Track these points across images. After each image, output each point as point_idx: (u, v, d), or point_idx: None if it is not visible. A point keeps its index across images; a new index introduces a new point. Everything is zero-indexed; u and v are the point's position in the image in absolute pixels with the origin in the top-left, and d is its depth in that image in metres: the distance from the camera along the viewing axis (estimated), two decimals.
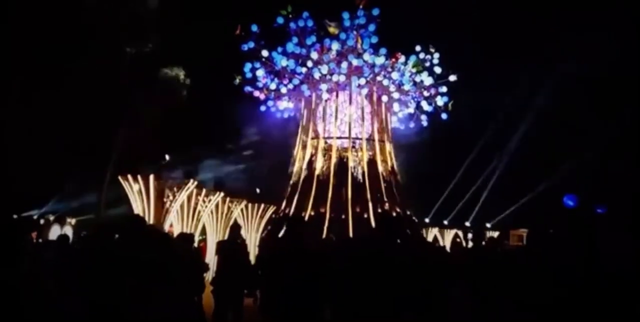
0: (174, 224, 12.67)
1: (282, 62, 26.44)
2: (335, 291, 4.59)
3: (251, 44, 26.37)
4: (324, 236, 20.36)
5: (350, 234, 21.98)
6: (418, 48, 27.02)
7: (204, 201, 13.93)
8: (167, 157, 17.97)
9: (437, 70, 27.08)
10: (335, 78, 25.93)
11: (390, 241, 3.85)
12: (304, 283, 4.59)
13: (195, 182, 12.71)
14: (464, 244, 33.14)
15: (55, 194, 23.76)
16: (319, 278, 4.63)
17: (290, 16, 26.27)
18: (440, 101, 27.71)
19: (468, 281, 6.56)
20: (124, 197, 12.87)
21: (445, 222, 38.53)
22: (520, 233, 37.30)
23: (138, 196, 12.13)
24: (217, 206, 14.70)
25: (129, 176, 11.94)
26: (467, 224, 39.22)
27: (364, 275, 3.67)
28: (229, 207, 15.28)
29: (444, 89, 27.59)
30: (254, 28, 26.34)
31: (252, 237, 15.71)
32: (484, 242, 8.13)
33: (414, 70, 27.09)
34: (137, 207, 12.12)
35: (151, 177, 11.89)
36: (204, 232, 15.01)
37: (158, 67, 24.76)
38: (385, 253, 3.60)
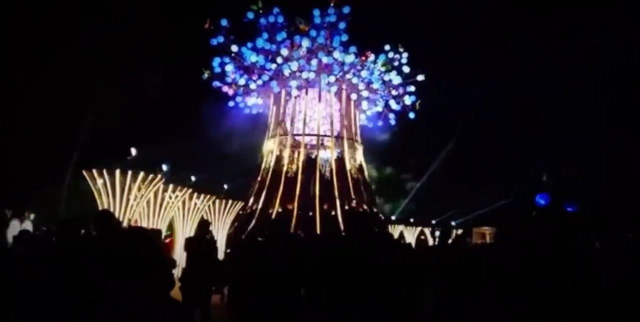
0: (140, 220, 12.42)
1: (252, 57, 26.28)
2: (308, 288, 4.60)
3: (220, 39, 26.11)
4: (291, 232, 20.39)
5: (318, 231, 22.07)
6: (387, 47, 27.30)
7: (170, 197, 13.68)
8: (133, 151, 17.58)
9: (406, 69, 27.44)
10: (305, 75, 25.94)
11: (361, 239, 3.88)
12: (278, 279, 4.59)
13: (163, 178, 12.49)
14: (429, 241, 33.72)
15: (14, 188, 22.99)
16: (293, 274, 4.64)
17: (261, 11, 26.13)
18: (408, 100, 28.10)
19: (437, 277, 6.69)
20: (87, 191, 12.53)
21: (411, 220, 39.04)
22: (483, 231, 38.22)
23: (103, 190, 11.81)
24: (184, 202, 14.46)
25: (94, 170, 11.62)
26: (433, 221, 39.88)
27: (337, 273, 3.69)
28: (196, 203, 15.05)
29: (412, 88, 28.00)
30: (224, 22, 26.09)
31: (219, 234, 15.55)
32: (450, 240, 8.27)
33: (383, 69, 27.37)
34: (102, 202, 11.82)
35: (117, 171, 11.60)
36: (170, 228, 14.76)
37: (124, 60, 24.21)
38: (357, 251, 3.63)
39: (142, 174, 11.92)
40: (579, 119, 34.47)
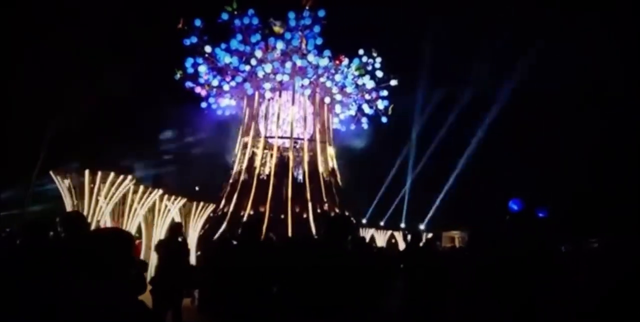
0: (109, 222, 12.16)
1: (226, 58, 26.06)
2: (280, 290, 4.58)
3: (194, 39, 25.83)
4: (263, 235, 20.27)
5: (290, 234, 22.01)
6: (361, 52, 27.48)
7: (141, 199, 13.44)
8: (103, 151, 17.20)
9: (379, 74, 27.67)
10: (278, 77, 25.88)
11: (336, 243, 3.89)
12: (249, 282, 4.55)
13: (134, 179, 12.26)
14: (399, 245, 34.05)
15: None
16: (265, 277, 4.62)
17: (236, 13, 25.96)
18: (381, 105, 28.33)
19: (408, 280, 6.77)
20: (55, 193, 12.23)
21: (382, 224, 39.38)
22: (452, 235, 38.80)
23: (69, 192, 11.53)
24: (154, 203, 14.23)
25: (62, 171, 11.33)
26: (402, 225, 40.29)
27: (310, 276, 3.68)
28: (167, 205, 14.82)
29: (385, 92, 28.24)
30: (198, 23, 25.82)
31: (190, 236, 15.35)
32: (421, 244, 8.37)
33: (356, 73, 27.53)
34: (68, 204, 11.54)
35: (86, 172, 11.34)
36: (139, 230, 14.50)
37: (95, 59, 23.71)
38: (335, 255, 3.64)
39: (112, 174, 11.70)
40: (550, 124, 35.39)
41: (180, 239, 7.88)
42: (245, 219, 23.53)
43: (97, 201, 11.55)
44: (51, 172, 11.56)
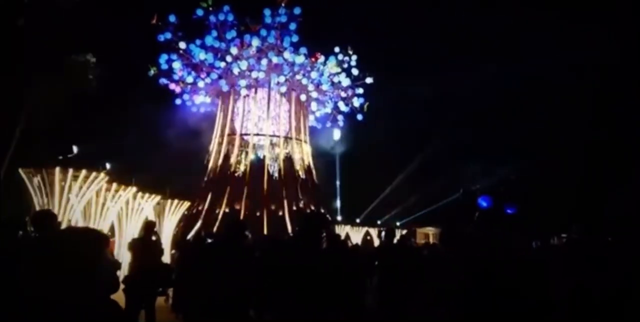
0: (80, 220, 11.94)
1: (201, 55, 25.84)
2: (255, 289, 4.58)
3: (168, 35, 25.52)
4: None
5: (265, 231, 21.98)
6: (337, 49, 27.55)
7: (113, 196, 13.23)
8: (74, 148, 16.84)
9: (355, 72, 27.80)
10: (254, 74, 25.78)
11: (313, 241, 3.92)
12: (225, 281, 4.55)
13: (106, 177, 12.05)
14: (374, 241, 34.28)
15: None
16: (240, 276, 4.62)
17: (211, 9, 25.76)
18: (356, 102, 28.48)
19: (382, 275, 6.85)
20: (23, 191, 11.93)
21: (357, 221, 39.59)
22: (427, 231, 39.30)
23: (39, 190, 11.28)
24: (127, 201, 14.01)
25: (31, 168, 11.07)
26: (378, 222, 40.59)
27: (286, 275, 3.70)
28: (140, 203, 14.62)
29: (360, 90, 28.40)
30: (172, 18, 25.52)
31: (164, 234, 15.18)
32: (395, 240, 8.47)
33: (332, 71, 27.60)
34: (38, 202, 11.28)
35: (57, 169, 11.09)
36: (112, 229, 14.27)
37: (65, 52, 23.14)
38: (313, 253, 3.67)
39: (83, 172, 11.47)
40: (519, 120, 36.06)
41: (154, 238, 7.81)
42: (220, 216, 23.41)
43: (68, 199, 11.32)
44: (20, 170, 11.27)
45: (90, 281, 2.01)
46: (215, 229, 21.60)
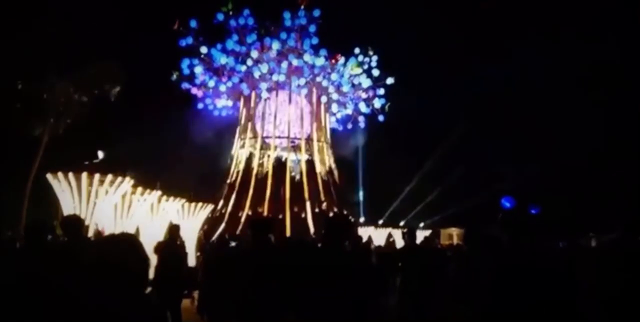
0: (107, 224, 12.16)
1: (222, 59, 26.10)
2: (281, 292, 4.60)
3: (189, 40, 25.84)
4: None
5: (288, 234, 22.04)
6: (357, 50, 27.51)
7: (138, 200, 13.43)
8: (100, 153, 17.17)
9: (375, 73, 27.70)
10: (275, 77, 25.92)
11: (338, 244, 3.92)
12: (250, 284, 4.59)
13: (132, 181, 12.25)
14: (396, 243, 34.06)
15: None
16: (266, 279, 4.66)
17: (231, 13, 25.99)
18: (377, 103, 28.37)
19: (406, 277, 6.82)
20: (51, 196, 12.21)
21: (380, 222, 39.39)
22: (451, 232, 38.90)
23: (68, 194, 11.52)
24: (152, 205, 14.22)
25: (59, 173, 11.31)
26: (401, 223, 40.33)
27: (312, 279, 3.72)
28: (164, 207, 14.81)
29: (381, 91, 28.28)
30: (193, 24, 25.83)
31: (189, 237, 15.35)
32: (418, 241, 8.42)
33: (352, 72, 27.56)
34: (66, 206, 11.53)
35: (84, 174, 11.32)
36: (137, 232, 14.48)
37: (89, 58, 23.66)
38: (335, 258, 3.68)
39: (109, 176, 11.68)
40: (544, 123, 35.50)
41: (178, 241, 7.92)
42: (244, 219, 23.56)
43: (94, 203, 11.54)
44: (48, 175, 11.54)
45: (125, 281, 2.08)
46: (239, 231, 21.77)
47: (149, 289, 7.14)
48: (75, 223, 4.31)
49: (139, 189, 13.35)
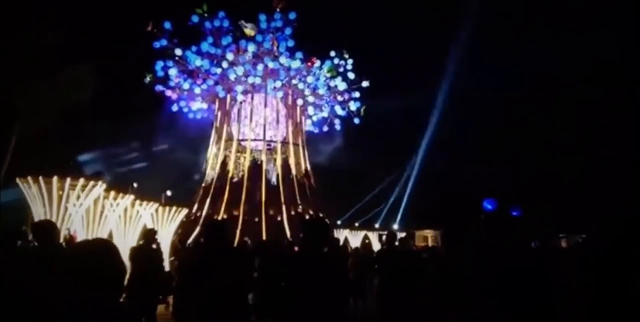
0: (79, 229, 11.89)
1: (197, 62, 25.85)
2: (257, 296, 4.56)
3: (164, 42, 25.53)
4: (237, 239, 20.13)
5: (264, 237, 21.91)
6: (333, 54, 27.59)
7: (112, 205, 13.16)
8: (74, 158, 16.79)
9: (351, 76, 27.82)
10: (251, 80, 25.78)
11: (316, 247, 3.91)
12: (224, 288, 4.53)
13: (104, 185, 12.00)
14: (372, 245, 34.21)
15: None
16: (240, 283, 4.61)
17: (206, 15, 25.78)
18: (353, 106, 28.49)
19: (384, 279, 6.83)
20: (20, 200, 11.86)
21: (357, 225, 39.54)
22: (426, 234, 39.28)
23: (39, 199, 11.22)
24: (126, 209, 13.95)
25: (29, 177, 11.01)
26: (377, 226, 40.56)
27: (290, 282, 3.69)
28: (138, 211, 14.55)
29: (357, 94, 28.42)
30: (167, 25, 25.53)
31: (163, 242, 15.11)
32: (397, 243, 8.46)
33: (328, 75, 27.63)
34: (37, 212, 11.22)
35: (54, 179, 11.05)
36: (110, 237, 14.18)
37: (61, 61, 23.16)
38: (317, 259, 3.66)
39: (82, 181, 11.42)
40: (522, 125, 36.14)
41: (154, 246, 7.78)
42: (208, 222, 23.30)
43: (66, 208, 11.27)
44: (18, 180, 11.22)
45: (100, 288, 2.02)
46: (196, 234, 21.54)
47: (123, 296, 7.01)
48: (48, 228, 4.19)
49: (112, 193, 13.10)
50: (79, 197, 11.58)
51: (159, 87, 26.37)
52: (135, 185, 21.30)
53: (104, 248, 2.14)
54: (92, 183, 11.68)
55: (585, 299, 3.39)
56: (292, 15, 26.10)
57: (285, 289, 3.54)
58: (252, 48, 25.43)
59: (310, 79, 26.91)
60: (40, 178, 11.01)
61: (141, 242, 8.79)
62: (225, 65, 25.44)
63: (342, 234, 33.17)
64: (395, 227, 39.81)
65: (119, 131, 26.29)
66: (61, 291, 2.02)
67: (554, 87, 35.01)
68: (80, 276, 1.96)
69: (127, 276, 7.96)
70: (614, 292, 3.27)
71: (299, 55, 25.95)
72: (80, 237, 11.92)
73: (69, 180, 11.26)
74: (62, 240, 10.07)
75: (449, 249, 3.94)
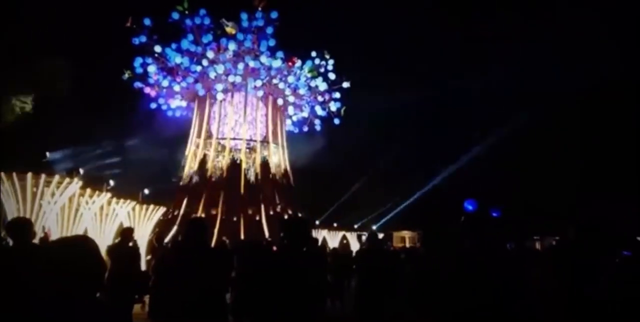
0: (53, 227, 11.67)
1: (176, 59, 25.58)
2: (235, 295, 4.53)
3: (143, 38, 25.19)
4: (215, 238, 20.00)
5: (242, 236, 21.82)
6: (314, 54, 27.60)
7: (87, 202, 12.96)
8: (47, 154, 16.43)
9: (332, 76, 27.87)
10: (231, 79, 25.63)
11: (297, 247, 3.91)
12: (201, 288, 4.51)
13: (80, 182, 11.80)
14: (350, 245, 34.36)
15: None
16: (217, 282, 4.59)
17: (187, 12, 25.52)
18: (333, 106, 28.56)
19: (363, 278, 6.87)
20: None
21: (335, 225, 39.62)
22: (403, 235, 39.62)
23: (12, 196, 10.97)
24: (102, 207, 13.74)
25: (2, 174, 10.75)
26: (355, 226, 40.72)
27: (267, 282, 3.69)
28: (114, 209, 14.35)
29: (337, 95, 28.50)
30: (147, 22, 25.21)
31: (140, 240, 14.93)
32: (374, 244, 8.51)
33: (309, 75, 27.63)
34: (10, 209, 10.97)
35: (28, 175, 10.82)
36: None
37: (35, 55, 22.64)
38: (296, 258, 3.67)
39: (56, 177, 11.22)
40: (501, 126, 36.63)
41: (131, 244, 7.68)
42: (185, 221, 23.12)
43: (40, 205, 11.05)
44: None
45: (80, 286, 2.00)
46: (173, 232, 21.36)
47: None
48: (23, 226, 4.10)
49: (88, 190, 12.90)
50: (53, 194, 11.37)
51: (138, 84, 26.05)
52: (112, 182, 21.00)
53: (84, 244, 2.12)
54: (67, 180, 11.48)
55: (561, 301, 3.47)
56: (274, 14, 26.02)
57: (263, 289, 3.54)
58: (232, 46, 25.28)
59: (290, 79, 26.86)
60: (14, 174, 10.76)
61: (117, 240, 8.66)
62: (205, 63, 25.24)
63: (320, 234, 33.22)
64: (374, 227, 40.03)
65: (95, 128, 25.85)
66: (38, 289, 2.00)
67: (535, 90, 35.63)
68: (60, 271, 1.94)
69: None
70: (586, 293, 3.35)
71: (280, 54, 25.90)
72: (54, 235, 11.70)
73: (43, 176, 11.05)
74: (35, 239, 9.88)
75: (428, 249, 3.99)
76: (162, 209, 18.30)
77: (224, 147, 26.63)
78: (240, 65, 25.37)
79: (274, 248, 8.61)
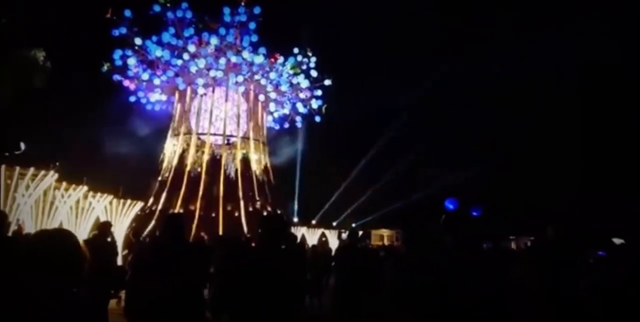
0: (27, 220, 11.46)
1: (157, 52, 25.23)
2: (213, 291, 4.52)
3: (123, 30, 24.79)
4: (193, 234, 19.86)
5: (221, 232, 21.71)
6: (296, 50, 27.52)
7: (62, 196, 12.77)
8: (22, 145, 16.08)
9: (314, 73, 27.82)
10: (212, 73, 25.40)
11: (275, 244, 3.91)
12: (177, 283, 4.48)
13: (56, 175, 11.60)
14: (329, 243, 34.45)
15: None
16: (194, 278, 4.57)
17: (168, 5, 25.18)
18: (314, 104, 28.53)
19: (341, 276, 6.90)
20: None
21: (313, 222, 39.67)
22: (381, 233, 39.91)
23: None
24: (78, 201, 13.55)
25: None
26: (334, 224, 40.84)
27: (245, 278, 3.68)
28: (91, 203, 14.17)
29: (319, 92, 28.47)
30: (127, 13, 24.81)
31: (116, 235, 14.75)
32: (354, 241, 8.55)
33: (291, 72, 27.54)
34: None
35: (2, 167, 10.60)
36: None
37: (11, 46, 22.11)
38: (275, 255, 3.66)
39: (31, 170, 11.01)
40: (483, 125, 37.06)
41: (108, 239, 7.59)
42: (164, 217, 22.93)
43: (14, 198, 10.84)
44: None
45: (60, 280, 1.96)
46: (150, 227, 21.16)
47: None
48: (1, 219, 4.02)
49: (64, 183, 12.70)
50: (28, 187, 11.18)
51: (117, 77, 25.65)
52: (88, 176, 20.62)
53: (64, 237, 2.09)
54: (42, 172, 11.29)
55: (539, 298, 3.53)
56: (257, 10, 25.85)
57: (241, 286, 3.53)
58: (214, 41, 25.05)
59: (272, 75, 26.74)
60: None
61: (94, 233, 8.55)
62: (186, 57, 24.96)
63: (299, 231, 33.23)
64: (353, 225, 40.19)
65: (72, 120, 25.40)
66: (17, 283, 1.96)
67: (514, 88, 36.06)
68: (39, 264, 1.91)
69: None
70: (564, 290, 3.42)
71: (262, 50, 25.75)
72: (28, 229, 11.50)
73: (17, 169, 10.85)
74: (9, 232, 9.68)
75: (409, 248, 4.02)
76: (140, 204, 18.12)
77: (203, 142, 26.41)
78: (222, 60, 25.17)
79: (253, 244, 8.59)
